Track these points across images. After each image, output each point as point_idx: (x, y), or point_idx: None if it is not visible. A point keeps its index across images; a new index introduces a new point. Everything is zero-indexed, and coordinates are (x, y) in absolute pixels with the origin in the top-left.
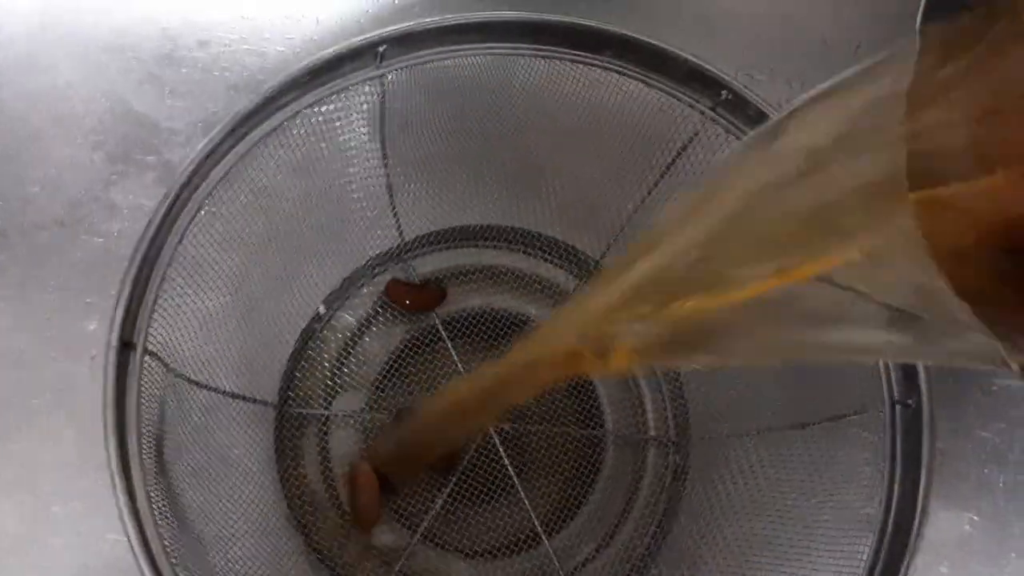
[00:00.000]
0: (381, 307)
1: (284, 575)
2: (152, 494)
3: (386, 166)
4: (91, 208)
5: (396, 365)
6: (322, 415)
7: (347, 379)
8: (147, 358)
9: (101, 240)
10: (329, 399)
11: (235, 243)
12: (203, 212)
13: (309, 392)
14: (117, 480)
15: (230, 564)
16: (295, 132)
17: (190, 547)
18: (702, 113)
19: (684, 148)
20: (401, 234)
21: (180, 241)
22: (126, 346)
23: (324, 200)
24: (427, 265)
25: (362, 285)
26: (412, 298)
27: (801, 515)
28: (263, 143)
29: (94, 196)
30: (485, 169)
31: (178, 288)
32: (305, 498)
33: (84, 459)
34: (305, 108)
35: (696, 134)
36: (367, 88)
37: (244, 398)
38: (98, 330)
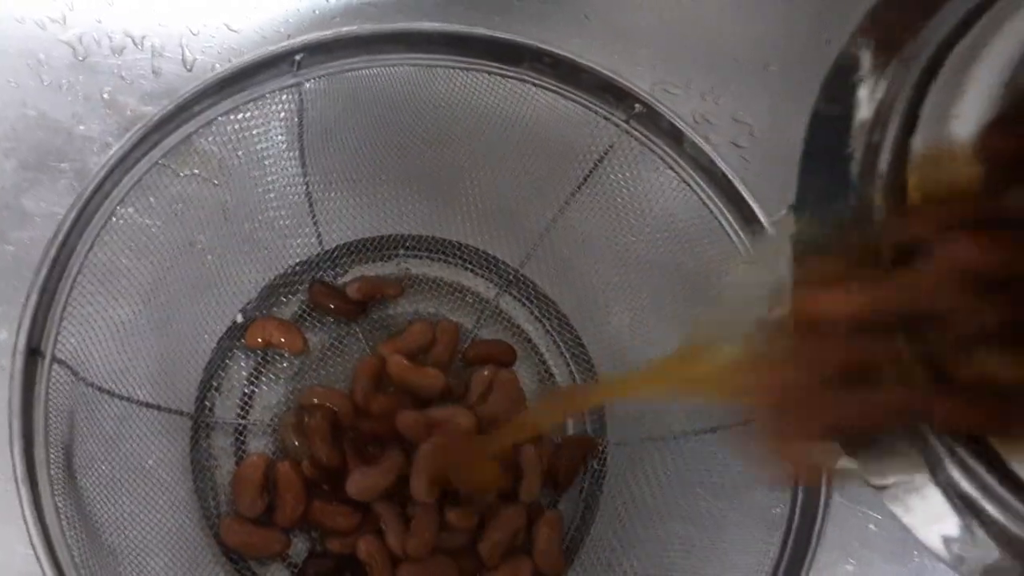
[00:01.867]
0: (301, 314)
1: None
2: (60, 505)
3: (305, 175)
4: (2, 215)
5: (315, 372)
6: (239, 424)
7: (264, 387)
8: (56, 366)
9: (12, 248)
10: (246, 408)
11: (149, 251)
12: (115, 219)
13: (226, 402)
14: (23, 490)
15: (143, 568)
16: (211, 139)
17: (101, 560)
18: (617, 126)
19: (600, 160)
20: (321, 243)
21: (91, 248)
22: (34, 353)
23: (241, 208)
24: (348, 275)
25: (281, 294)
26: (336, 303)
27: (713, 516)
28: (177, 150)
29: (5, 203)
30: (406, 179)
31: (89, 296)
32: (221, 508)
33: None
34: (220, 116)
35: (611, 146)
36: (284, 96)
37: (159, 408)
38: (8, 340)
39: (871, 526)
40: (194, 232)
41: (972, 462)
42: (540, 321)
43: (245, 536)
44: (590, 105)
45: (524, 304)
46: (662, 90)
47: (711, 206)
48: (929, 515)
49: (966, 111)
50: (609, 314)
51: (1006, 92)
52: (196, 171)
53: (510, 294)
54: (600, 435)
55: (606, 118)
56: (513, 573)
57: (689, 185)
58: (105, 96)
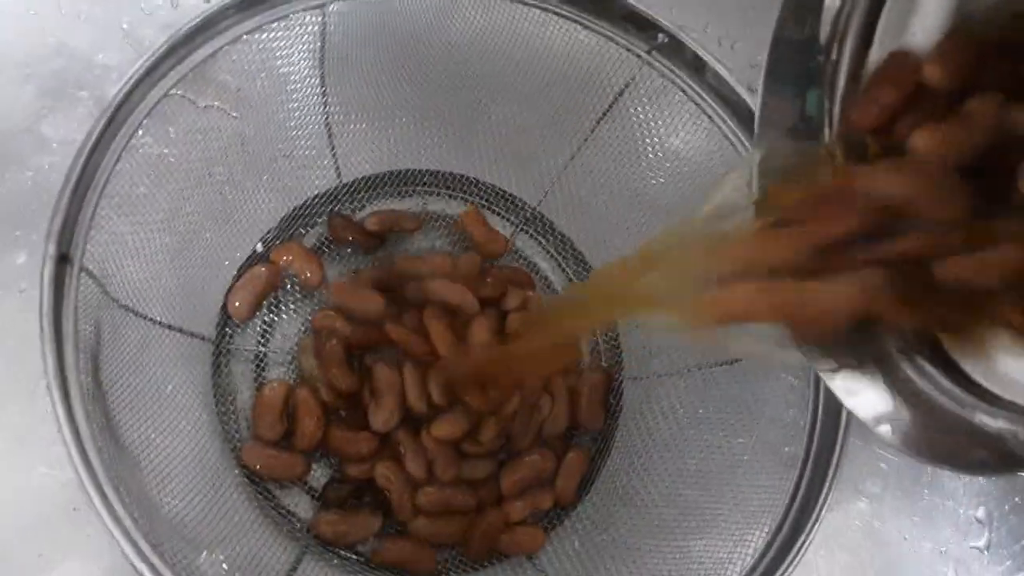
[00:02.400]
0: (320, 246)
1: (222, 506)
2: (90, 410)
3: (325, 104)
4: (21, 141)
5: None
6: (259, 352)
7: (284, 316)
8: (83, 275)
9: (31, 173)
10: (266, 336)
11: (168, 180)
12: (134, 147)
13: (246, 330)
14: (54, 389)
15: (165, 487)
16: (231, 65)
17: (128, 469)
18: (638, 57)
19: (620, 94)
20: (340, 175)
21: (110, 175)
22: (63, 259)
23: (260, 139)
24: (366, 210)
25: (299, 225)
26: (354, 235)
27: (728, 452)
28: (196, 78)
29: (25, 129)
30: (425, 113)
31: (110, 222)
32: (242, 433)
33: (12, 393)
34: (245, 34)
35: (632, 79)
36: (308, 17)
37: (181, 330)
38: (28, 263)
39: (883, 465)
40: (212, 163)
41: (927, 364)
42: (556, 259)
43: (266, 459)
44: (611, 35)
45: (540, 242)
46: (679, 30)
47: (732, 139)
48: (870, 400)
49: (924, 24)
50: (626, 254)
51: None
52: (215, 103)
53: (527, 232)
54: (616, 369)
55: (627, 49)
56: (533, 504)
57: (711, 118)
58: (124, 27)
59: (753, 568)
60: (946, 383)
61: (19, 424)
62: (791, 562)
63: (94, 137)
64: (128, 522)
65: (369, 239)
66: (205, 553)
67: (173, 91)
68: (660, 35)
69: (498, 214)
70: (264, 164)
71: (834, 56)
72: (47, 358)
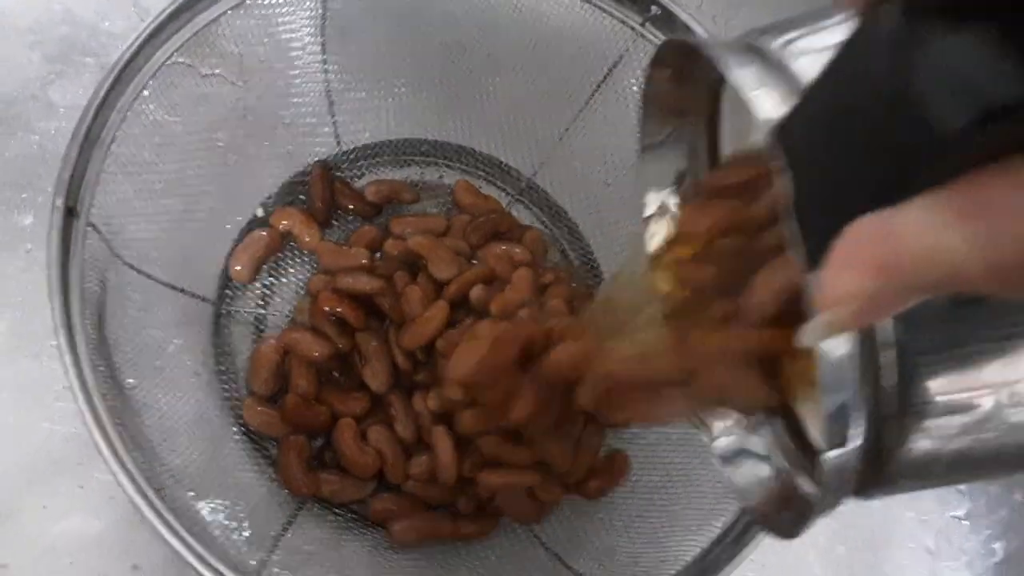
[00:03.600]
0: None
1: (221, 462)
2: (95, 360)
3: (326, 72)
4: (27, 106)
5: None
6: (258, 314)
7: (283, 280)
8: (90, 230)
9: (37, 137)
10: (265, 300)
11: (171, 146)
12: (139, 112)
13: (246, 293)
14: (61, 334)
15: (165, 442)
16: (236, 24)
17: (130, 417)
18: (632, 29)
19: (614, 66)
20: (339, 143)
21: (123, 121)
22: (70, 213)
23: (261, 107)
24: (364, 179)
25: (299, 192)
26: (353, 203)
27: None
28: (199, 46)
29: (31, 94)
30: (422, 84)
31: (118, 175)
32: (241, 392)
33: (16, 352)
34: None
35: (626, 51)
36: None
37: (183, 291)
38: (34, 224)
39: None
40: (215, 129)
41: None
42: (550, 229)
43: (266, 416)
44: (606, 7)
45: (535, 213)
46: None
47: None
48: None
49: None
50: (619, 226)
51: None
52: (217, 71)
53: (522, 202)
54: None
55: (622, 22)
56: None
57: None
58: None
59: (732, 525)
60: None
61: (24, 382)
62: None
63: (101, 95)
64: (132, 466)
65: (368, 208)
66: (205, 502)
67: (177, 59)
68: (653, 7)
69: (494, 184)
70: (265, 131)
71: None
72: (54, 307)
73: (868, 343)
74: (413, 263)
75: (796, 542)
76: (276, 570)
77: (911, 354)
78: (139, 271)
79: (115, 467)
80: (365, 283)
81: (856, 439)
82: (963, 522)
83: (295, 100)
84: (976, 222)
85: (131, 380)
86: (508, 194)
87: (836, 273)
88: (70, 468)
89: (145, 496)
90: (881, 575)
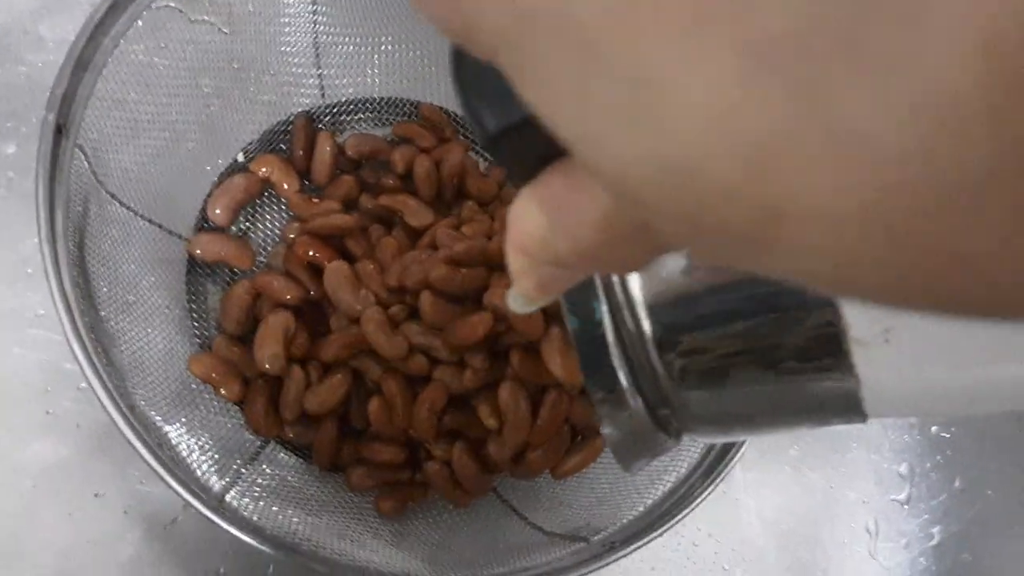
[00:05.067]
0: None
1: (191, 401)
2: (76, 278)
3: (315, 24)
4: (17, 39)
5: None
6: None
7: (259, 226)
8: (77, 151)
9: (25, 69)
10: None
11: (156, 87)
12: (126, 52)
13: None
14: (46, 248)
15: (136, 374)
16: None
17: (107, 339)
18: None
19: None
20: (324, 95)
21: (116, 47)
22: (60, 131)
23: (248, 55)
24: (346, 133)
25: (281, 141)
26: (333, 156)
27: None
28: None
29: (23, 28)
30: (410, 41)
31: (99, 123)
32: (211, 332)
33: None
34: None
35: None
36: None
37: (160, 226)
38: (17, 153)
39: None
40: (200, 74)
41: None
42: None
43: (238, 355)
44: None
45: None
46: None
47: None
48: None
49: None
50: None
51: None
52: (206, 17)
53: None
54: None
55: None
56: None
57: None
58: None
59: (686, 479)
60: None
61: None
62: (716, 477)
63: (92, 26)
64: (108, 380)
65: (347, 162)
66: (172, 427)
67: (167, 2)
68: None
69: (474, 150)
70: (251, 79)
71: None
72: (40, 220)
73: (615, 297)
74: (388, 218)
75: (743, 515)
76: (238, 497)
77: (659, 308)
78: (120, 202)
79: (91, 376)
80: (339, 221)
81: (614, 385)
82: (903, 506)
83: (282, 50)
84: (549, 210)
85: (104, 312)
86: (488, 157)
87: (507, 251)
88: (39, 394)
89: (119, 408)
90: (822, 551)
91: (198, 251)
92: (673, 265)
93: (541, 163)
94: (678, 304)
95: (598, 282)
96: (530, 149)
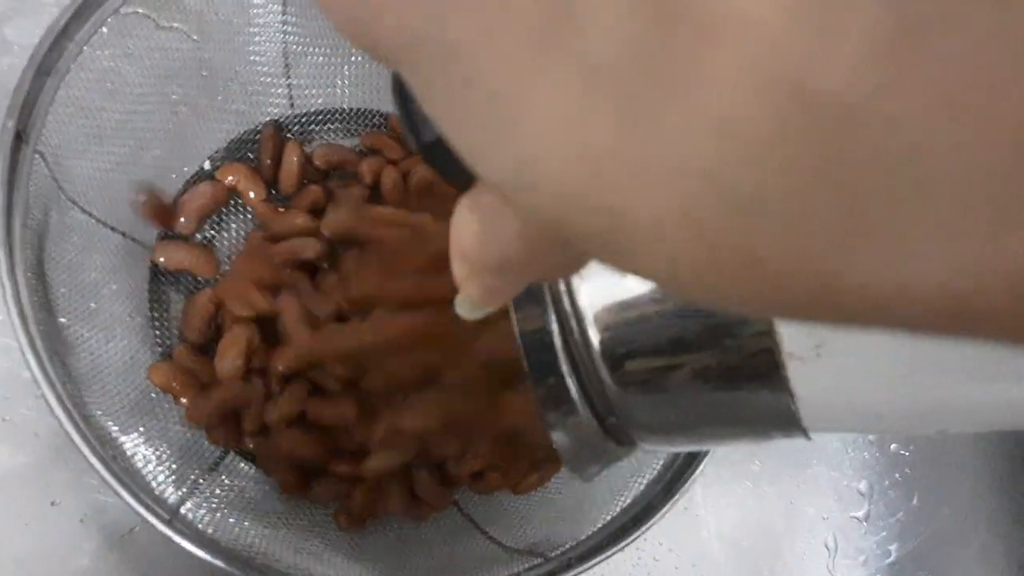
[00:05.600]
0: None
1: (150, 411)
2: (33, 283)
3: (285, 33)
4: None
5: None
6: None
7: (224, 234)
8: (37, 158)
9: None
10: None
11: (122, 94)
12: (92, 58)
13: (188, 242)
14: (2, 256)
15: (94, 383)
16: None
17: (63, 345)
18: None
19: None
20: (292, 104)
21: (79, 54)
22: (19, 137)
23: (219, 58)
24: (314, 143)
25: (248, 149)
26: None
27: None
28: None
29: None
30: None
31: (62, 126)
32: (173, 342)
33: None
34: None
35: None
36: None
37: (124, 234)
38: None
39: None
40: (168, 82)
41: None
42: None
43: (199, 364)
44: None
45: None
46: None
47: None
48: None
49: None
50: None
51: None
52: (175, 24)
53: None
54: None
55: None
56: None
57: None
58: None
59: (646, 494)
60: None
61: None
62: (676, 492)
63: (56, 31)
64: (62, 391)
65: (315, 172)
66: (128, 437)
67: (135, 8)
68: None
69: None
70: (219, 86)
71: None
72: None
73: (563, 306)
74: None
75: (703, 530)
76: (194, 509)
77: (605, 317)
78: (82, 209)
79: (44, 385)
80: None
81: (563, 393)
82: (862, 522)
83: (252, 59)
84: (481, 219)
85: (63, 319)
86: None
87: (451, 257)
88: None
89: (73, 419)
90: (782, 567)
91: (161, 259)
92: (618, 275)
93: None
94: (623, 314)
95: (546, 291)
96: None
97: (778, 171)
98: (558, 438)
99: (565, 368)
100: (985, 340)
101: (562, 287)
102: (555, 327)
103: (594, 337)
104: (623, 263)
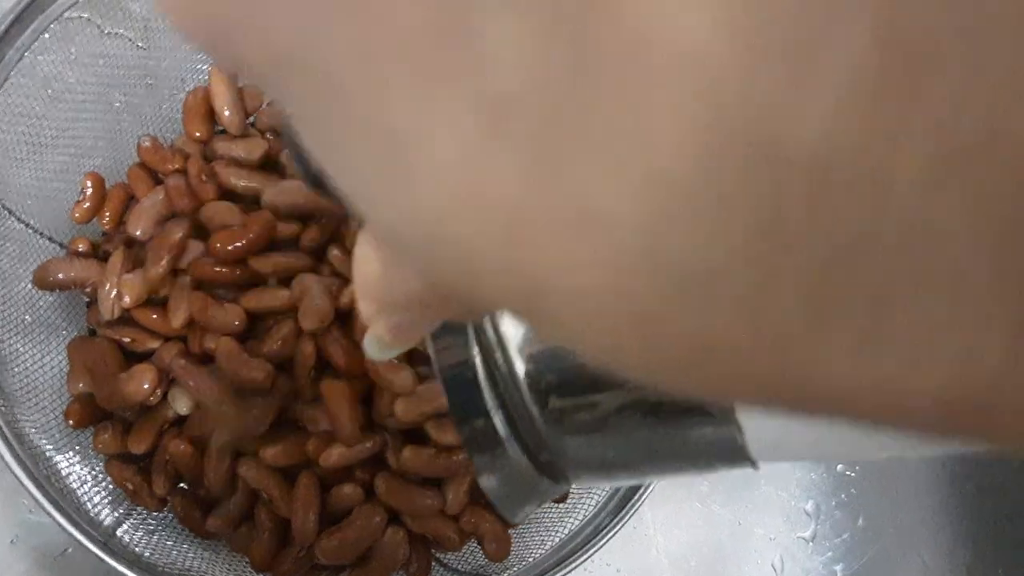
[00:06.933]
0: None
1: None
2: None
3: None
4: None
5: None
6: None
7: None
8: None
9: None
10: None
11: (64, 100)
12: (34, 64)
13: None
14: None
15: (28, 400)
16: None
17: None
18: None
19: None
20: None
21: (20, 59)
22: None
23: (164, 66)
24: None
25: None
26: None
27: None
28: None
29: None
30: None
31: (3, 122)
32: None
33: None
34: None
35: None
36: None
37: (62, 245)
38: None
39: None
40: (112, 89)
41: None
42: None
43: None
44: None
45: None
46: None
47: None
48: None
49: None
50: None
51: None
52: (121, 31)
53: None
54: None
55: None
56: None
57: None
58: None
59: (595, 516)
60: None
61: None
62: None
63: (2, 28)
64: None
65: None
66: (63, 456)
67: (79, 13)
68: None
69: None
70: (165, 95)
71: None
72: None
73: (486, 337)
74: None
75: (652, 551)
76: (131, 531)
77: (531, 347)
78: (19, 219)
79: None
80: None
81: (489, 431)
82: (809, 543)
83: (199, 67)
84: (383, 256)
85: None
86: None
87: (356, 295)
88: None
89: (4, 437)
90: None
91: (60, 275)
92: None
93: None
94: (552, 342)
95: (468, 322)
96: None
97: (733, 244)
98: (486, 481)
99: (491, 404)
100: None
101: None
102: (478, 359)
103: (519, 368)
104: (547, 334)
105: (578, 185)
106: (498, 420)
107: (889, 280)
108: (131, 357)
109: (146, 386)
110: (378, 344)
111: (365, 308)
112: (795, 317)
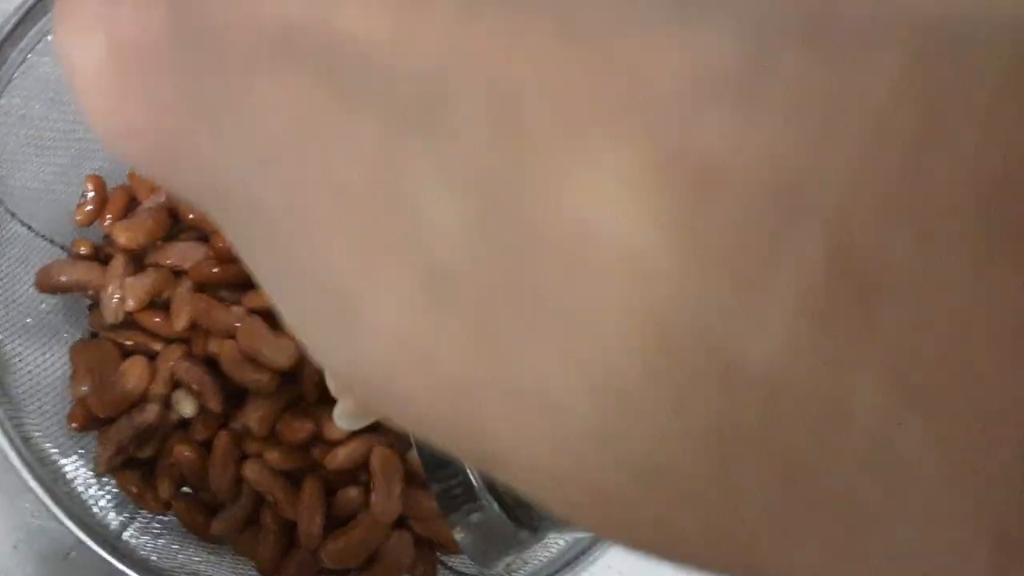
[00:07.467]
0: None
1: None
2: None
3: None
4: None
5: None
6: None
7: None
8: None
9: None
10: None
11: (64, 102)
12: (33, 66)
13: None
14: None
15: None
16: None
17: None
18: None
19: None
20: None
21: (22, 62)
22: None
23: None
24: None
25: None
26: None
27: None
28: None
29: None
30: None
31: (6, 124)
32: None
33: None
34: None
35: None
36: None
37: (63, 247)
38: None
39: None
40: None
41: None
42: None
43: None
44: None
45: None
46: None
47: None
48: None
49: None
50: None
51: None
52: None
53: None
54: None
55: None
56: None
57: None
58: None
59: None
60: None
61: None
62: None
63: (6, 30)
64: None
65: None
66: (68, 460)
67: None
68: None
69: None
70: None
71: None
72: None
73: None
74: None
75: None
76: (137, 534)
77: None
78: (21, 221)
79: None
80: None
81: (463, 487)
82: None
83: None
84: None
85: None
86: None
87: (325, 371)
88: None
89: (11, 440)
90: None
91: (63, 278)
92: None
93: None
94: None
95: None
96: None
97: (690, 447)
98: (463, 537)
99: None
100: None
101: None
102: None
103: None
104: (505, 481)
105: (527, 367)
106: (473, 475)
107: (854, 496)
108: None
109: (139, 374)
110: (347, 416)
111: (334, 386)
112: (760, 523)
